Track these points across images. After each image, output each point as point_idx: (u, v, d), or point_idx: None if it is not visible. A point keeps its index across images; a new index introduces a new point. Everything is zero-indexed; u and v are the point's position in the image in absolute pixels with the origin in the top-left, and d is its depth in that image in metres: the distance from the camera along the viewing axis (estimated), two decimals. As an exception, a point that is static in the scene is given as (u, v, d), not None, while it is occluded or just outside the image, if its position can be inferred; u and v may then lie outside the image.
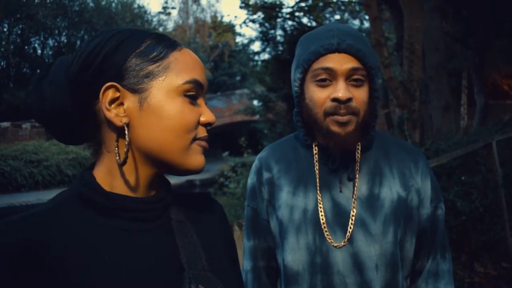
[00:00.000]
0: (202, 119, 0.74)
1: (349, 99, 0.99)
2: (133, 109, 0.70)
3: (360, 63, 1.02)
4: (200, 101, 0.75)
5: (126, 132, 0.68)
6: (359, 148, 1.09)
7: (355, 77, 1.01)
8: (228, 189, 9.03)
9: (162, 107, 0.70)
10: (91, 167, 0.75)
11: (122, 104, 0.70)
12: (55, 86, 0.71)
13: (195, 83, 0.73)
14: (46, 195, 11.25)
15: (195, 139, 0.73)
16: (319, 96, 1.03)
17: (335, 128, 1.01)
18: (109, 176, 0.72)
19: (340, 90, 0.99)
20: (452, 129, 6.98)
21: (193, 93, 0.73)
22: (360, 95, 1.02)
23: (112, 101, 0.69)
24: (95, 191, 0.70)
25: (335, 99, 1.00)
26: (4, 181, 11.87)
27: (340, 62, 1.01)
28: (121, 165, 0.69)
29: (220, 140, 22.78)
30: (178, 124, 0.70)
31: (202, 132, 0.74)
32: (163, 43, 0.73)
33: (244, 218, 1.24)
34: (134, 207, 0.71)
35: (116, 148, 0.69)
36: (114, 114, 0.69)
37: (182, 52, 0.74)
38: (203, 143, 0.75)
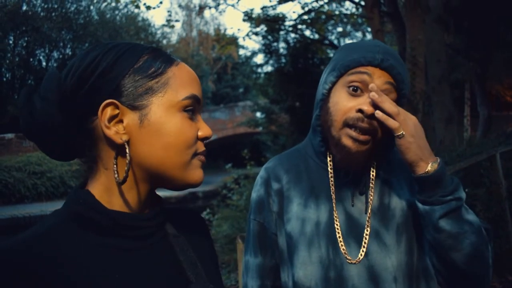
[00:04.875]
0: (200, 133, 0.74)
1: (373, 115, 0.97)
2: (132, 126, 0.69)
3: (395, 87, 1.01)
4: (198, 115, 0.75)
5: (127, 150, 0.67)
6: (374, 166, 1.07)
7: None
8: (231, 201, 8.99)
9: (163, 123, 0.69)
10: (83, 185, 0.73)
11: (121, 121, 0.69)
12: (46, 103, 0.68)
13: (194, 98, 0.73)
14: (49, 207, 11.24)
15: (195, 154, 0.73)
16: (345, 104, 1.00)
17: (347, 142, 0.99)
18: (106, 194, 0.70)
19: (368, 103, 0.97)
20: (455, 141, 6.97)
21: (192, 108, 0.73)
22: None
23: (111, 118, 0.68)
24: (95, 210, 0.68)
25: (360, 110, 0.98)
26: (7, 192, 11.87)
27: (379, 78, 0.99)
28: (121, 183, 0.67)
29: (223, 152, 22.77)
30: (179, 141, 0.70)
31: (201, 146, 0.75)
32: (161, 58, 0.72)
33: (249, 233, 1.18)
34: (134, 225, 0.70)
35: (115, 166, 0.68)
36: (113, 131, 0.68)
37: (179, 67, 0.73)
38: (202, 158, 0.75)
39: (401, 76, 1.01)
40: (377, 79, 0.99)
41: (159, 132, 0.69)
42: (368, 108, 0.97)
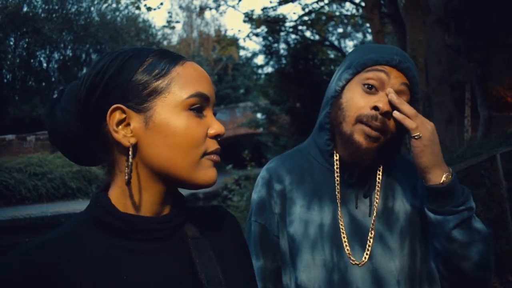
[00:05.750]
0: (211, 131, 0.73)
1: (388, 113, 0.97)
2: (139, 129, 0.69)
3: (409, 89, 1.01)
4: (207, 113, 0.74)
5: (130, 153, 0.68)
6: (381, 170, 1.07)
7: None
8: (231, 202, 9.00)
9: (167, 124, 0.69)
10: (106, 188, 0.75)
11: (129, 124, 0.70)
12: (66, 113, 0.73)
13: (200, 96, 0.71)
14: (50, 208, 11.25)
15: (205, 154, 0.72)
16: (359, 100, 0.99)
17: (359, 138, 0.99)
18: (122, 196, 0.72)
19: (383, 101, 0.97)
20: (456, 142, 6.96)
21: (198, 106, 0.72)
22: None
23: (119, 123, 0.69)
24: (110, 213, 0.70)
25: (375, 107, 0.97)
26: (8, 193, 11.88)
27: (396, 78, 0.99)
28: (127, 184, 0.69)
29: (224, 153, 22.67)
30: (185, 140, 0.69)
31: (212, 145, 0.73)
32: (166, 59, 0.72)
33: (250, 235, 1.16)
34: (149, 227, 0.71)
35: (127, 168, 0.69)
36: (121, 135, 0.69)
37: (184, 66, 0.73)
38: (214, 157, 0.73)
39: (416, 80, 1.02)
40: (394, 79, 0.99)
41: (164, 133, 0.69)
42: (383, 106, 0.96)
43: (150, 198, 0.72)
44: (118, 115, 0.69)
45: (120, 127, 0.69)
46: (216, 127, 0.73)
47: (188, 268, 0.72)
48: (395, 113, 0.96)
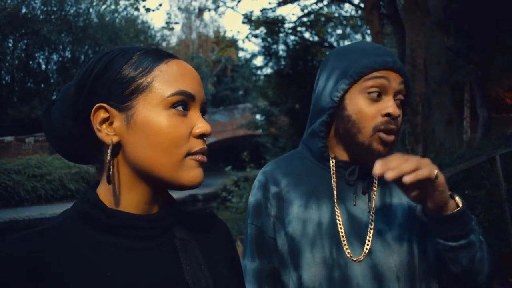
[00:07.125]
0: (196, 130, 0.71)
1: (399, 116, 1.01)
2: (121, 127, 0.69)
3: (405, 86, 1.04)
4: (193, 112, 0.72)
5: (109, 151, 0.68)
6: None
7: (399, 97, 1.03)
8: (231, 204, 9.01)
9: (148, 122, 0.68)
10: (95, 185, 0.75)
11: (113, 123, 0.70)
12: (59, 112, 0.74)
13: (183, 94, 0.70)
14: (49, 210, 11.23)
15: (188, 153, 0.70)
16: (370, 110, 1.01)
17: (378, 147, 1.01)
18: (109, 194, 0.71)
19: (392, 106, 1.00)
20: (455, 143, 6.97)
21: (182, 104, 0.70)
22: (400, 115, 1.04)
23: (103, 121, 0.70)
24: (97, 208, 0.69)
25: (388, 114, 1.00)
26: (7, 195, 11.86)
27: (395, 80, 1.02)
28: (108, 182, 0.69)
29: (223, 154, 22.77)
30: (166, 139, 0.68)
31: (197, 145, 0.71)
32: (150, 57, 0.72)
33: (247, 237, 1.17)
34: (135, 224, 0.70)
35: (112, 167, 0.69)
36: (104, 133, 0.69)
37: (169, 64, 0.72)
38: (199, 157, 0.71)
39: (408, 74, 1.05)
40: (393, 81, 1.02)
41: (145, 132, 0.68)
42: (394, 110, 0.99)
43: (136, 197, 0.72)
44: (101, 114, 0.69)
45: (103, 126, 0.70)
46: (201, 126, 0.71)
47: (174, 269, 0.72)
48: (407, 179, 0.85)
